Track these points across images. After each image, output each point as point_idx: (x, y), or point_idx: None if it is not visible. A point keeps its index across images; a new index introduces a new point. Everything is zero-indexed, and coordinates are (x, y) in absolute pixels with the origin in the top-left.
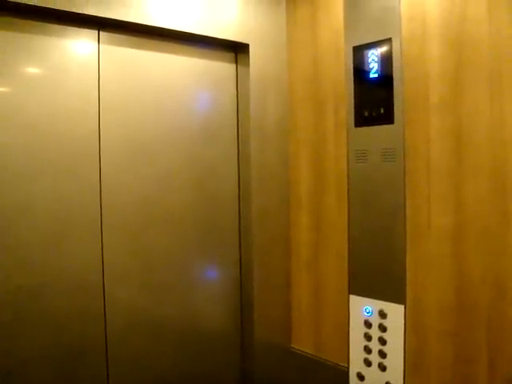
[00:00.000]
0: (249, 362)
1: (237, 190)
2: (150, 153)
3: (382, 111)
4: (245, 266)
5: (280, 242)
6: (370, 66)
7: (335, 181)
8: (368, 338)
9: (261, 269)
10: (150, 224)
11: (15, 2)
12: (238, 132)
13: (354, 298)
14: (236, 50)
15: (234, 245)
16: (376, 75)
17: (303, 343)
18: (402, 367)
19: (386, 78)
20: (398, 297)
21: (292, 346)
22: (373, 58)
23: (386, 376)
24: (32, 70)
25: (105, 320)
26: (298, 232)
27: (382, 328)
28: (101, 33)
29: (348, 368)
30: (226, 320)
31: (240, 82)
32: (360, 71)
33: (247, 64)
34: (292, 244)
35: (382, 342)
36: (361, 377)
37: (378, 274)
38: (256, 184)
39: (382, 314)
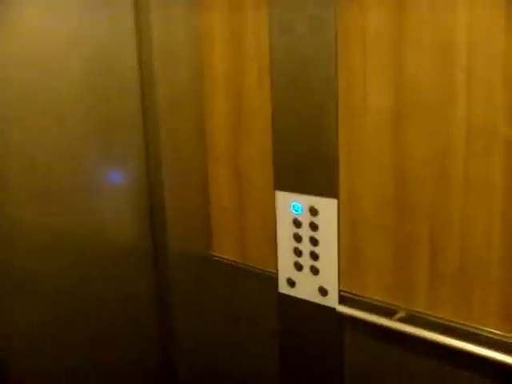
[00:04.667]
0: (163, 275)
1: (138, 77)
2: None
3: None
4: (153, 164)
5: (193, 134)
6: None
7: (256, 58)
8: (298, 238)
9: (171, 166)
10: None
11: None
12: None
13: (280, 195)
14: None
15: (138, 141)
16: None
17: (226, 250)
18: (337, 269)
19: None
20: (330, 190)
21: (213, 253)
22: None
23: (318, 280)
24: None
25: None
26: (214, 121)
27: (313, 226)
28: None
29: (277, 274)
30: (134, 229)
31: None
32: None
33: None
34: (208, 136)
35: (314, 242)
36: (291, 283)
37: (307, 164)
38: (161, 69)
39: (313, 211)
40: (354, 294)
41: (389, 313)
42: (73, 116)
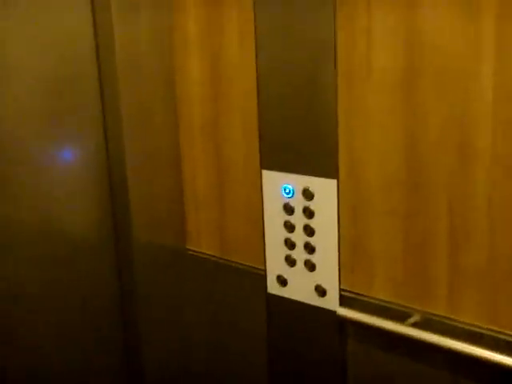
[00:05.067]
0: (127, 272)
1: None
2: None
3: None
4: (112, 141)
5: (162, 101)
6: None
7: (237, 9)
8: (290, 227)
9: (136, 142)
10: None
11: None
12: None
13: (268, 175)
14: None
15: (95, 113)
16: None
17: (203, 243)
18: (337, 264)
19: None
20: (328, 169)
21: (188, 247)
22: None
23: (315, 277)
24: None
25: None
26: (187, 86)
27: (308, 213)
28: None
29: (265, 271)
30: (90, 217)
31: None
32: None
33: None
34: (180, 104)
35: (309, 231)
36: (282, 281)
37: (301, 138)
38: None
39: (308, 194)
40: (358, 294)
41: (400, 316)
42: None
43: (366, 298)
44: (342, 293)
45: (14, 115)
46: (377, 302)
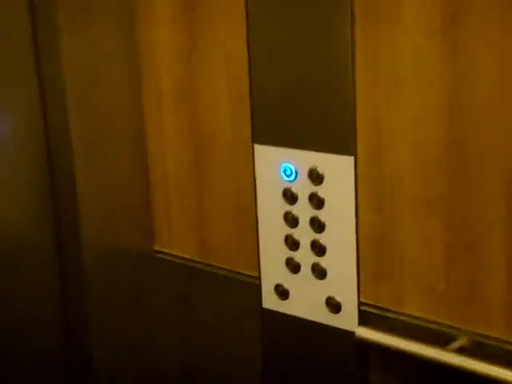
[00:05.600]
0: (73, 281)
1: None
2: None
3: None
4: (51, 105)
5: (118, 50)
6: None
7: None
8: (292, 221)
9: (83, 111)
10: None
11: None
12: None
13: (262, 151)
14: None
15: (29, 78)
16: None
17: (176, 243)
18: (355, 268)
19: None
20: (342, 142)
21: (156, 249)
22: None
23: (326, 287)
24: None
25: None
26: (151, 30)
27: (316, 201)
28: None
29: (259, 279)
30: (29, 212)
31: None
32: None
33: None
34: (142, 55)
35: (318, 226)
36: (282, 292)
37: (305, 101)
38: None
39: (316, 177)
40: (384, 310)
41: (441, 339)
42: None
43: (393, 315)
44: (362, 307)
45: None
46: (409, 319)
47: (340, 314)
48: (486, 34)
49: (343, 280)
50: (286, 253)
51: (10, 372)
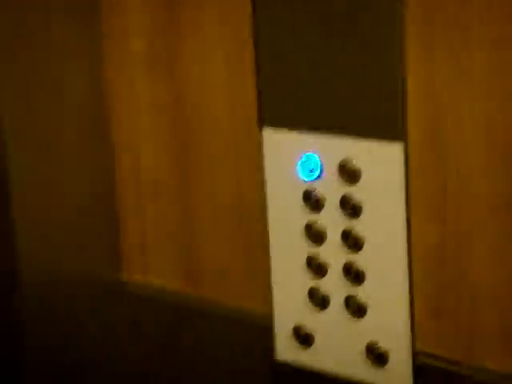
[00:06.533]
0: (8, 323)
1: None
2: None
3: None
4: None
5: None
6: None
7: None
8: (317, 237)
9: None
10: None
11: None
12: None
13: (274, 138)
14: None
15: None
16: None
17: (154, 268)
18: (407, 304)
19: None
20: (387, 123)
21: (125, 277)
22: None
23: (364, 329)
24: None
25: None
26: None
27: (351, 208)
28: None
29: (271, 318)
30: None
31: None
32: None
33: None
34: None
35: (353, 243)
36: (304, 337)
37: (335, 68)
38: None
39: (349, 172)
40: (450, 362)
41: None
42: None
43: (464, 370)
44: (420, 358)
45: None
46: (485, 377)
47: (386, 366)
48: None
49: (390, 319)
50: (309, 281)
51: None
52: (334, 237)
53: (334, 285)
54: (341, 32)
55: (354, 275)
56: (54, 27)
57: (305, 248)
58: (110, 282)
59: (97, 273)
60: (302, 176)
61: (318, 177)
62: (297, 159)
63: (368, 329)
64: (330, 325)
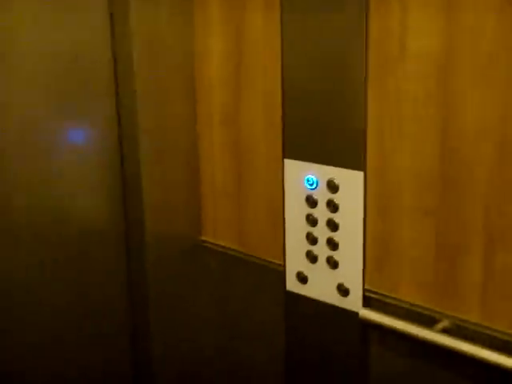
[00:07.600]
0: (137, 264)
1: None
2: None
3: None
4: (126, 127)
5: (180, 84)
6: None
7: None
8: (312, 221)
9: (150, 129)
10: None
11: None
12: None
13: (291, 164)
14: None
15: (109, 95)
16: None
17: (219, 234)
18: (361, 262)
19: None
20: (355, 160)
21: (203, 238)
22: None
23: (337, 275)
24: None
25: None
26: (207, 66)
27: (333, 206)
28: None
29: (284, 267)
30: (103, 205)
31: None
32: None
33: None
34: (199, 84)
35: (333, 226)
36: (302, 278)
37: (326, 126)
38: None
39: (332, 186)
40: (383, 295)
41: (429, 321)
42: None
43: (391, 300)
44: (366, 293)
45: (24, 96)
46: (403, 304)
47: (348, 297)
48: (473, 78)
49: (351, 270)
50: (307, 247)
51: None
52: (322, 222)
53: (321, 250)
54: None
55: (332, 245)
56: None
57: (305, 228)
58: (195, 241)
59: (188, 235)
60: (306, 187)
61: (315, 188)
62: (303, 177)
63: (339, 275)
64: (317, 272)
